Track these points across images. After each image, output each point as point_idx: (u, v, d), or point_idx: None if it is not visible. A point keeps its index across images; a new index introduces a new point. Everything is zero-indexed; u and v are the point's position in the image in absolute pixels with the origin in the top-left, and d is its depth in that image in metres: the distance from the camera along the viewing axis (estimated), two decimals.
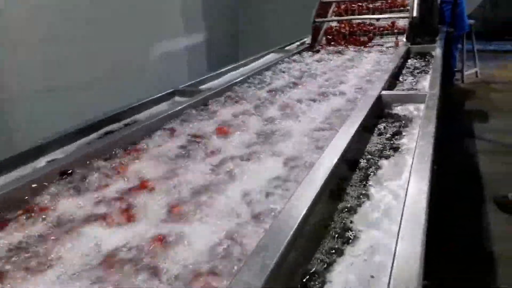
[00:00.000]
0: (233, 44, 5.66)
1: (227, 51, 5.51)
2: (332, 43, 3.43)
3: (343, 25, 3.57)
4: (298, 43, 3.73)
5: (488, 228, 2.51)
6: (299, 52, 3.08)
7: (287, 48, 3.54)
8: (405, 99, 1.71)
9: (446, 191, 2.70)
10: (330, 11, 3.84)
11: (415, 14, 3.03)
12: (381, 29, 3.43)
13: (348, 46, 3.29)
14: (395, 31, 3.34)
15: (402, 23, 3.42)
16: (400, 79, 2.13)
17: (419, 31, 3.47)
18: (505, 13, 9.32)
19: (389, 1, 3.70)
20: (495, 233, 2.44)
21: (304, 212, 0.82)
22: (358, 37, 3.41)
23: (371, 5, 3.72)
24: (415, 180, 0.95)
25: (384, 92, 1.73)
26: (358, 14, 3.64)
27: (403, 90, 1.88)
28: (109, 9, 3.57)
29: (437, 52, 2.64)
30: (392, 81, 2.02)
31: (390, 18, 3.47)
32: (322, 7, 3.64)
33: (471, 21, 5.39)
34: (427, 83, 1.97)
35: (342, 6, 3.84)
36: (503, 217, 2.64)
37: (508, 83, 5.48)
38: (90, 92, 3.36)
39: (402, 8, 3.56)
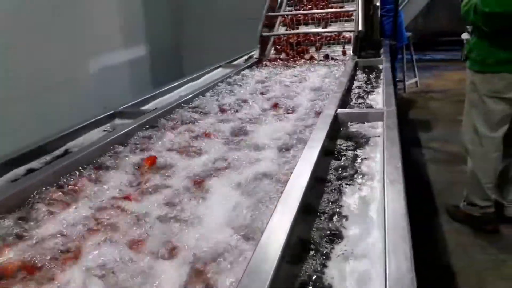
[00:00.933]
0: (176, 56, 5.47)
1: (171, 64, 5.31)
2: (280, 56, 3.36)
3: (291, 36, 3.51)
4: (246, 56, 3.63)
5: (443, 238, 2.51)
6: (248, 67, 2.97)
7: (235, 62, 3.43)
8: (361, 117, 1.64)
9: None
10: (277, 22, 3.79)
11: (360, 27, 3.03)
12: (328, 38, 3.44)
13: (295, 60, 3.24)
14: (342, 40, 3.38)
15: (348, 33, 3.44)
16: (352, 95, 2.08)
17: (363, 45, 3.50)
18: (434, 24, 9.91)
19: (333, 10, 3.72)
20: (450, 244, 2.45)
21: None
22: (306, 47, 3.37)
23: (316, 15, 3.72)
24: (393, 219, 0.84)
25: (340, 111, 1.65)
26: (305, 25, 3.62)
27: (359, 107, 1.81)
28: (31, 12, 3.22)
29: (385, 65, 2.63)
30: (346, 97, 1.96)
31: (337, 31, 3.47)
32: (268, 19, 3.57)
33: (409, 33, 5.60)
34: (380, 98, 1.93)
35: (289, 17, 3.81)
36: (455, 226, 2.67)
37: (445, 92, 5.74)
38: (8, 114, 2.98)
39: (347, 18, 3.59)
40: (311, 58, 3.25)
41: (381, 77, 2.36)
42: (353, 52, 3.13)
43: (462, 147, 2.66)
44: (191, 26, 5.42)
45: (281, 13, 3.81)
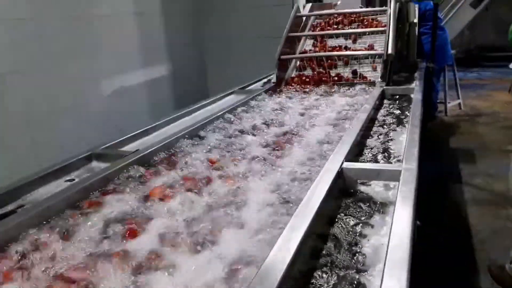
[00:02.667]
0: (200, 75, 5.29)
1: (195, 84, 5.13)
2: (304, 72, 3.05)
3: (318, 49, 3.26)
4: (266, 79, 3.35)
5: None
6: (258, 95, 2.68)
7: (250, 87, 3.16)
8: (372, 175, 1.30)
9: (430, 255, 2.29)
10: (302, 40, 3.49)
11: (390, 51, 2.67)
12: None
13: (321, 78, 2.93)
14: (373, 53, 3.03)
15: (381, 49, 3.09)
16: (369, 139, 1.74)
17: (395, 67, 3.14)
18: (481, 38, 9.24)
19: (365, 22, 3.44)
20: None
21: None
22: (333, 62, 3.05)
23: (347, 28, 3.44)
24: None
25: (346, 165, 1.32)
26: (334, 36, 3.37)
27: (370, 160, 1.47)
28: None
29: (416, 97, 2.26)
30: (359, 143, 1.62)
31: (364, 54, 3.12)
32: (289, 40, 3.28)
33: (453, 52, 5.13)
34: (401, 146, 1.58)
35: (317, 29, 3.56)
36: None
37: (492, 115, 5.19)
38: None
39: (381, 28, 3.24)
40: (338, 77, 2.94)
41: (409, 113, 2.00)
42: (381, 77, 2.77)
43: (511, 186, 2.23)
44: (215, 44, 5.23)
45: (305, 33, 3.52)
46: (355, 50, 3.17)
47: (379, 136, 1.72)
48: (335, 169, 1.29)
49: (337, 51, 3.20)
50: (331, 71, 3.04)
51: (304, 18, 3.63)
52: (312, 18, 3.67)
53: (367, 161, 1.46)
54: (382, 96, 2.48)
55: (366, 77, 2.91)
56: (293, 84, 3.06)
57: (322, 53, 3.23)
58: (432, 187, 3.15)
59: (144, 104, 4.27)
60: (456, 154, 3.97)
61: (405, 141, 1.57)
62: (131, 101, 4.08)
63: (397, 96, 2.46)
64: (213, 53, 5.24)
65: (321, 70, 3.07)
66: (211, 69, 5.33)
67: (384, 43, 2.79)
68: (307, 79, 3.02)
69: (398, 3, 3.10)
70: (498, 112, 5.31)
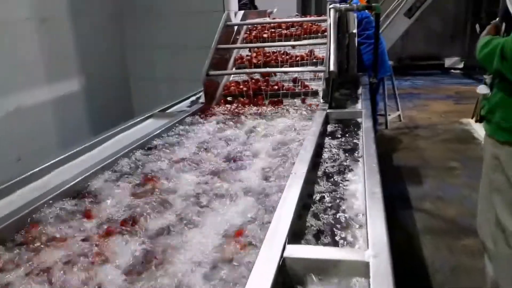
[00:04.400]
0: (121, 90, 4.68)
1: (115, 99, 4.51)
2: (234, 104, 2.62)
3: (254, 55, 2.98)
4: (194, 97, 2.88)
5: None
6: (180, 122, 2.20)
7: (175, 107, 2.68)
8: (327, 269, 0.89)
9: None
10: (231, 60, 3.06)
11: (332, 67, 2.31)
12: (298, 58, 2.88)
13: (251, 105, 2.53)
14: (314, 60, 2.86)
15: (321, 53, 2.87)
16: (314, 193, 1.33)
17: (336, 83, 2.82)
18: (412, 47, 9.45)
19: (304, 26, 3.23)
20: None
21: None
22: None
23: (285, 31, 3.19)
24: None
25: (289, 252, 0.89)
26: (271, 41, 3.12)
27: (324, 245, 1.04)
28: None
29: (366, 123, 1.91)
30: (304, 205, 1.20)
31: (305, 71, 2.76)
32: (219, 53, 2.84)
33: (391, 62, 4.98)
34: (358, 205, 1.19)
35: (253, 33, 3.24)
36: None
37: (431, 127, 5.09)
38: None
39: (319, 34, 3.12)
40: (278, 86, 2.65)
41: (360, 150, 1.63)
42: (323, 98, 2.41)
43: (479, 242, 1.93)
44: (139, 54, 4.65)
45: (237, 45, 3.10)
46: (294, 61, 2.87)
47: (328, 189, 1.31)
48: (274, 260, 0.86)
49: (275, 58, 2.89)
50: (269, 79, 2.76)
51: (236, 27, 3.22)
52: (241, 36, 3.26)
53: (318, 239, 1.04)
54: (326, 122, 2.11)
55: (308, 86, 2.65)
56: (226, 104, 2.62)
57: (257, 69, 2.83)
58: None
59: (50, 125, 3.61)
60: (400, 173, 3.74)
61: (363, 198, 1.18)
62: (33, 123, 3.41)
63: (343, 123, 2.09)
64: (137, 64, 4.66)
65: (258, 78, 2.72)
66: (135, 82, 4.74)
67: (325, 52, 2.44)
68: (242, 98, 2.63)
69: (337, 12, 2.77)
70: (436, 124, 5.24)
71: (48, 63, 3.56)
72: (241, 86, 2.74)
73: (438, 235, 2.72)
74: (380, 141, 4.61)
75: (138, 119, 2.32)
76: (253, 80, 2.76)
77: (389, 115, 5.21)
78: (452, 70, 9.34)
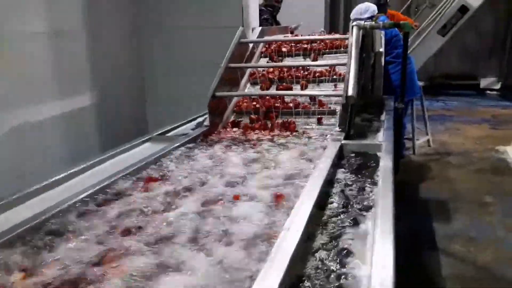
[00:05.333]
0: (136, 106, 4.54)
1: (129, 116, 4.37)
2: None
3: (271, 70, 2.81)
4: (201, 118, 2.68)
5: None
6: (177, 147, 1.99)
7: (178, 129, 2.48)
8: None
9: None
10: (246, 75, 2.85)
11: (350, 92, 2.06)
12: (317, 74, 2.72)
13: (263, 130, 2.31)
14: (334, 77, 2.69)
15: (343, 69, 2.58)
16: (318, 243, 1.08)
17: (358, 107, 2.57)
18: (445, 66, 8.99)
19: (327, 41, 3.03)
20: None
21: None
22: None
23: (305, 45, 3.00)
24: None
25: None
26: (290, 56, 2.97)
27: None
28: None
29: (385, 163, 1.63)
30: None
31: (318, 95, 2.53)
32: (230, 72, 2.64)
33: (421, 83, 4.65)
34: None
35: (272, 46, 3.07)
36: None
37: (464, 154, 4.71)
38: None
39: (342, 49, 2.90)
40: (295, 104, 2.51)
41: (374, 195, 1.36)
42: (339, 125, 2.16)
43: None
44: (157, 70, 4.51)
45: (249, 64, 2.88)
46: (313, 76, 2.69)
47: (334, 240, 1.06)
48: None
49: (295, 72, 2.73)
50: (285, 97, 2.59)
51: (251, 45, 3.01)
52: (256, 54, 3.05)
53: None
54: (340, 155, 1.85)
55: (324, 104, 2.49)
56: (233, 129, 2.41)
57: (268, 92, 2.61)
58: (403, 254, 2.54)
59: (59, 142, 3.48)
60: (428, 206, 3.40)
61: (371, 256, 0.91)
62: (41, 139, 3.29)
63: (360, 157, 1.82)
64: (155, 80, 4.52)
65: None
66: (152, 99, 4.60)
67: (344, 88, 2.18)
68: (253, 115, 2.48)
69: (361, 30, 2.52)
70: (470, 151, 4.84)
71: (61, 78, 3.46)
72: (254, 103, 2.57)
73: (469, 284, 2.38)
74: (407, 168, 4.28)
75: (134, 143, 2.13)
76: (267, 97, 2.58)
77: (417, 139, 4.86)
78: (488, 91, 8.83)
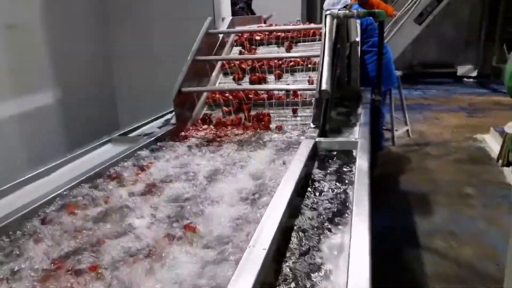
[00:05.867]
0: (109, 101, 4.32)
1: (99, 112, 4.15)
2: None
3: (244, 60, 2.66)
4: (170, 115, 2.50)
5: None
6: (138, 149, 1.82)
7: (143, 128, 2.31)
8: None
9: None
10: (218, 65, 2.69)
11: (324, 85, 1.92)
12: (292, 63, 2.60)
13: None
14: (309, 66, 2.57)
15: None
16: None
17: (334, 100, 2.45)
18: (423, 54, 8.97)
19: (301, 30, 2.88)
20: None
21: None
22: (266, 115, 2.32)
23: (279, 34, 2.85)
24: None
25: None
26: (262, 45, 2.85)
27: None
28: None
29: (360, 161, 1.50)
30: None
31: (288, 89, 2.39)
32: (196, 65, 2.47)
33: (398, 72, 4.55)
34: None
35: (245, 35, 2.92)
36: None
37: (443, 145, 4.65)
38: None
39: (318, 37, 2.75)
40: (269, 95, 2.40)
41: (350, 201, 1.24)
42: (313, 121, 2.02)
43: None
44: (125, 63, 4.29)
45: (219, 57, 2.71)
46: (288, 66, 2.56)
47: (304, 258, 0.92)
48: None
49: (267, 63, 2.60)
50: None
51: (220, 36, 2.84)
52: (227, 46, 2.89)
53: None
54: (314, 154, 1.72)
55: (300, 95, 2.37)
56: (202, 127, 2.26)
57: (241, 86, 2.45)
58: (384, 252, 2.45)
59: (18, 143, 3.25)
60: (408, 200, 3.31)
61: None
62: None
63: (335, 156, 1.70)
64: (124, 74, 4.29)
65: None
66: (122, 93, 4.38)
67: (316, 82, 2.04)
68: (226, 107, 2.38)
69: (335, 20, 2.38)
70: (448, 140, 4.79)
71: (18, 75, 3.22)
72: (227, 94, 2.44)
73: (452, 283, 2.30)
74: (386, 160, 4.20)
75: (93, 145, 1.96)
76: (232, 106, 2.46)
77: (396, 129, 4.78)
78: (465, 79, 8.86)
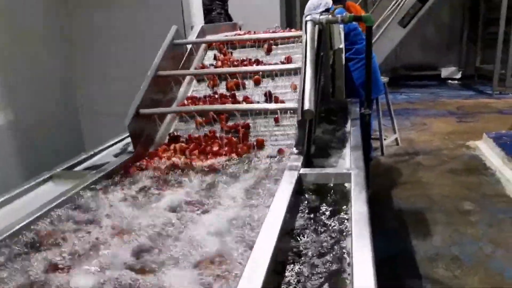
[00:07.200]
0: (71, 119, 3.94)
1: (63, 132, 3.77)
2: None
3: (220, 63, 2.42)
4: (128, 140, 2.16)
5: None
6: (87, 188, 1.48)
7: (96, 157, 1.97)
8: None
9: None
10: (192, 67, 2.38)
11: (307, 105, 1.61)
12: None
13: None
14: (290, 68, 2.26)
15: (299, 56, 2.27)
16: None
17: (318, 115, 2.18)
18: (407, 57, 8.80)
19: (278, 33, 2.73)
20: None
21: None
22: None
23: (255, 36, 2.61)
24: None
25: None
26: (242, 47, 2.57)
27: None
28: None
29: (357, 203, 1.20)
30: None
31: (267, 109, 2.07)
32: (160, 82, 2.15)
33: (385, 79, 4.31)
34: None
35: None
36: None
37: (434, 154, 4.39)
38: None
39: (297, 39, 2.47)
40: (247, 101, 2.13)
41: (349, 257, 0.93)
42: (296, 145, 1.72)
43: None
44: (90, 81, 3.93)
45: (187, 72, 2.39)
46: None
47: None
48: None
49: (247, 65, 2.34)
50: (236, 93, 2.19)
51: (188, 47, 2.53)
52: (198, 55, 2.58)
53: None
54: (299, 190, 1.41)
55: (282, 101, 2.11)
56: (164, 154, 1.92)
57: (214, 106, 2.12)
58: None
59: None
60: (403, 219, 3.03)
61: None
62: None
63: (323, 194, 1.39)
64: (89, 93, 3.93)
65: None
66: (87, 110, 4.01)
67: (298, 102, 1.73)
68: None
69: (317, 26, 2.10)
70: (439, 148, 4.54)
71: None
72: (201, 103, 2.15)
73: None
74: (376, 172, 3.93)
75: (29, 185, 1.61)
76: (216, 96, 2.19)
77: (384, 138, 4.52)
78: (450, 81, 8.71)
